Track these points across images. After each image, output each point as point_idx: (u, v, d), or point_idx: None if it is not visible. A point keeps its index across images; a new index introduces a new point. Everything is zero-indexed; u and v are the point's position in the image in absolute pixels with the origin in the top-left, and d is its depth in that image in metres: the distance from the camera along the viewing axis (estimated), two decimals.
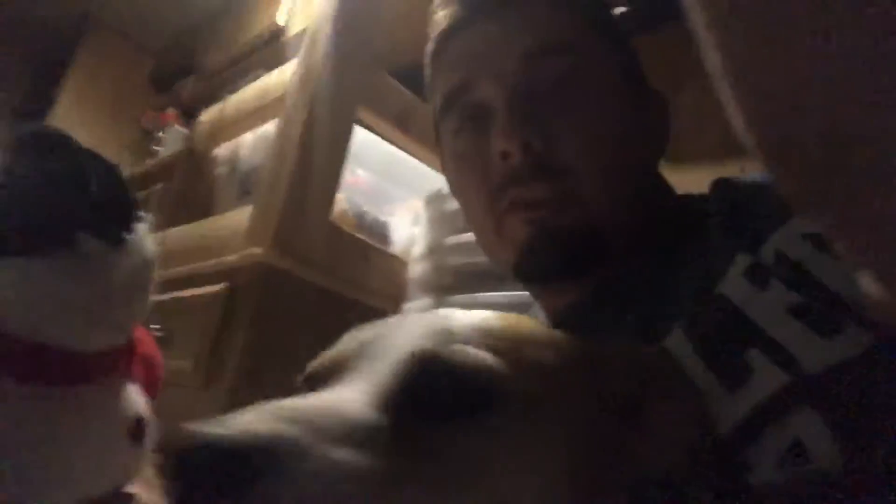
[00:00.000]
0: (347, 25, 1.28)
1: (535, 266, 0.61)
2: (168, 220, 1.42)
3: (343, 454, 0.30)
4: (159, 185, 1.55)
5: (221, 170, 1.50)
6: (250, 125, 1.44)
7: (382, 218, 1.46)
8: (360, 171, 1.55)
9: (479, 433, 0.34)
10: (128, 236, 0.53)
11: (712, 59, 0.29)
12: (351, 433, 0.31)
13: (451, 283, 1.22)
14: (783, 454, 0.39)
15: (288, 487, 0.28)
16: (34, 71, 2.36)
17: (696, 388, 0.42)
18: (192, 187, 1.53)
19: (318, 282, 1.19)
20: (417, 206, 1.42)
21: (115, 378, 0.55)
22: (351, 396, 0.35)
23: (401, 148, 1.50)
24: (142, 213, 0.55)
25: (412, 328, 0.39)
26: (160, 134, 2.08)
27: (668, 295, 0.54)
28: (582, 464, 0.36)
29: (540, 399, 0.36)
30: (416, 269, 1.31)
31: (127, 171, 1.72)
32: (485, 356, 0.35)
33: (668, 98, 0.68)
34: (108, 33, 2.33)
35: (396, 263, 1.36)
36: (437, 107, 0.68)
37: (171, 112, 2.13)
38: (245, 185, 1.44)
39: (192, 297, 1.21)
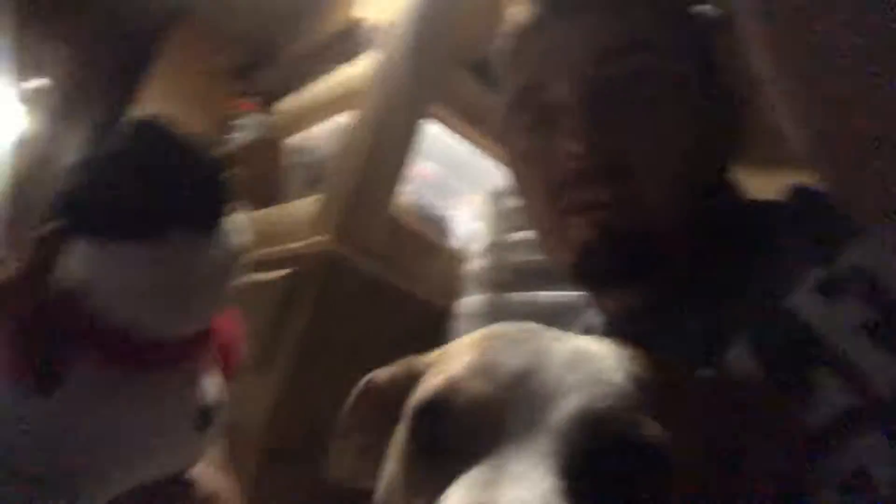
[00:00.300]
0: (426, 20, 1.28)
1: (593, 268, 0.60)
2: (239, 205, 1.47)
3: None
4: (233, 171, 1.60)
5: (293, 159, 1.54)
6: (325, 116, 1.47)
7: (444, 212, 1.46)
8: (428, 164, 1.56)
9: None
10: (218, 226, 0.53)
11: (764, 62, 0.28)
12: None
13: (510, 280, 1.21)
14: (846, 480, 0.37)
15: None
16: (124, 52, 2.48)
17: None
18: (265, 175, 1.58)
19: (377, 273, 1.20)
20: (480, 201, 1.42)
21: (190, 366, 0.56)
22: (535, 487, 0.30)
23: (470, 143, 1.50)
24: (233, 204, 0.56)
25: (563, 372, 0.35)
26: (238, 121, 2.15)
27: (731, 304, 0.52)
28: None
29: (694, 474, 0.34)
30: (475, 265, 1.30)
31: None
32: (656, 429, 0.33)
33: (746, 97, 0.65)
34: (195, 24, 2.42)
35: (455, 258, 1.36)
36: (508, 103, 0.68)
37: (249, 100, 2.20)
38: (314, 174, 1.47)
39: (256, 281, 1.25)
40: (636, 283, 0.60)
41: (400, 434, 0.40)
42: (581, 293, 0.71)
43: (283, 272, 1.21)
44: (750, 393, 0.43)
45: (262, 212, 1.41)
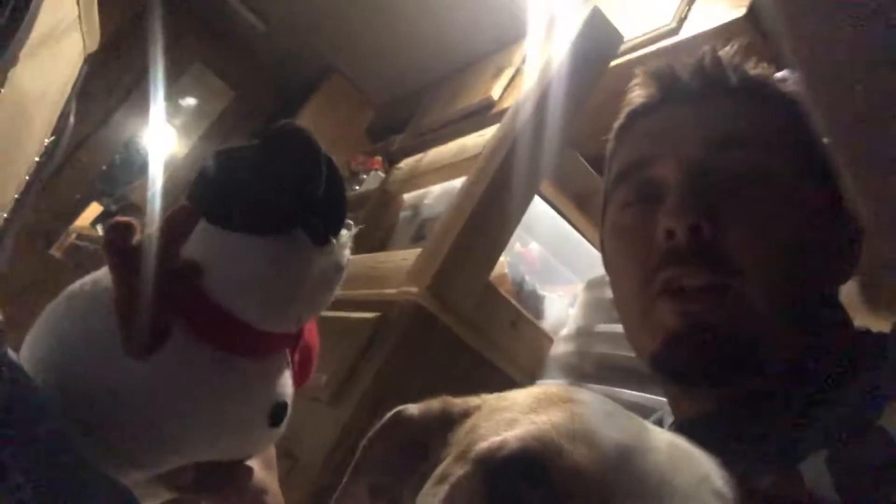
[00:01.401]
0: (549, 103, 1.33)
1: (676, 360, 0.56)
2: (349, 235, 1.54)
3: None
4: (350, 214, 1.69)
5: (405, 213, 1.60)
6: (442, 178, 1.54)
7: (541, 292, 1.45)
8: (533, 245, 1.57)
9: None
10: (333, 239, 0.56)
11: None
12: None
13: (591, 371, 1.17)
14: None
15: None
16: (278, 104, 2.73)
17: None
18: (377, 224, 1.65)
19: (462, 334, 1.20)
20: (579, 288, 1.40)
21: (276, 362, 0.58)
22: None
23: (576, 228, 1.50)
24: (350, 223, 0.60)
25: (669, 465, 0.32)
26: (364, 176, 2.29)
27: (815, 423, 0.47)
28: None
29: None
30: (559, 349, 1.27)
31: None
32: None
33: (863, 227, 0.61)
34: (342, 81, 2.64)
35: (543, 339, 1.34)
36: (609, 179, 0.68)
37: (377, 159, 2.34)
38: (422, 230, 1.52)
39: (346, 318, 1.29)
40: (718, 387, 0.56)
41: (459, 483, 0.35)
42: (658, 397, 0.67)
43: (371, 314, 1.24)
44: None
45: (365, 256, 1.47)
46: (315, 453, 1.13)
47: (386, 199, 1.70)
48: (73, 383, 0.49)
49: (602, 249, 0.70)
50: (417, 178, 1.63)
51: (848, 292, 0.63)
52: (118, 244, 0.50)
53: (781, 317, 0.53)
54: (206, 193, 0.54)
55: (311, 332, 0.65)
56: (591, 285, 1.31)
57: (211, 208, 0.53)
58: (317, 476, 1.10)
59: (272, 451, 0.66)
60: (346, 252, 0.59)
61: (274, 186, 0.53)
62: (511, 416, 0.37)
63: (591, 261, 1.49)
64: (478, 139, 1.46)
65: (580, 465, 0.31)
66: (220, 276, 0.52)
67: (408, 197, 1.66)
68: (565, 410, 0.35)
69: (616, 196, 0.65)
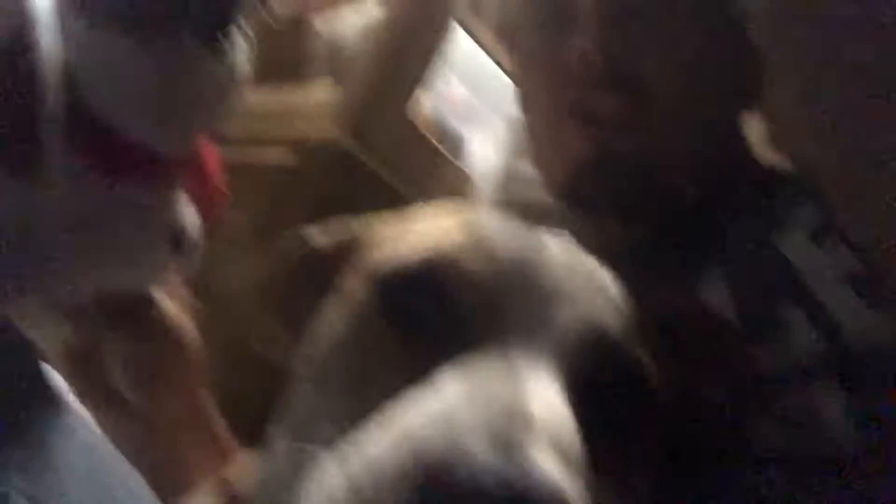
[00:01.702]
0: None
1: (584, 189, 0.57)
2: (255, 80, 1.42)
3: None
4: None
5: (318, 44, 1.48)
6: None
7: (464, 134, 1.42)
8: (456, 86, 1.51)
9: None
10: (224, 42, 0.50)
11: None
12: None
13: (514, 214, 1.19)
14: (792, 417, 0.37)
15: None
16: None
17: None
18: (286, 55, 1.52)
19: (385, 177, 1.17)
20: (502, 130, 1.38)
21: (171, 185, 0.54)
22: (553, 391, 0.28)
23: (499, 65, 1.44)
24: (243, 22, 0.53)
25: (563, 273, 0.34)
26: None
27: (714, 246, 0.50)
28: None
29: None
30: (482, 191, 1.28)
31: None
32: (649, 363, 0.33)
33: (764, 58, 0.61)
34: None
35: (465, 180, 1.34)
36: (519, 3, 0.64)
37: None
38: (337, 64, 1.41)
39: (260, 161, 1.22)
40: (626, 214, 0.57)
41: (356, 302, 0.37)
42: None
43: (288, 156, 1.18)
44: (711, 325, 0.42)
45: (275, 90, 1.36)
46: (236, 296, 1.11)
47: (295, 25, 1.55)
48: None
49: (512, 77, 0.68)
50: (332, 3, 1.49)
51: (753, 130, 0.65)
52: None
53: (688, 136, 0.55)
54: None
55: (211, 156, 0.61)
56: (516, 125, 1.29)
57: (81, 3, 0.46)
58: (239, 318, 1.10)
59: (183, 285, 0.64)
60: (242, 57, 0.54)
61: None
62: (412, 236, 0.38)
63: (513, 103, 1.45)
64: None
65: (475, 275, 0.32)
66: (97, 87, 0.47)
67: (320, 23, 1.52)
68: (465, 227, 0.36)
69: (527, 16, 0.62)
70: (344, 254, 0.44)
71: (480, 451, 0.22)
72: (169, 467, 0.60)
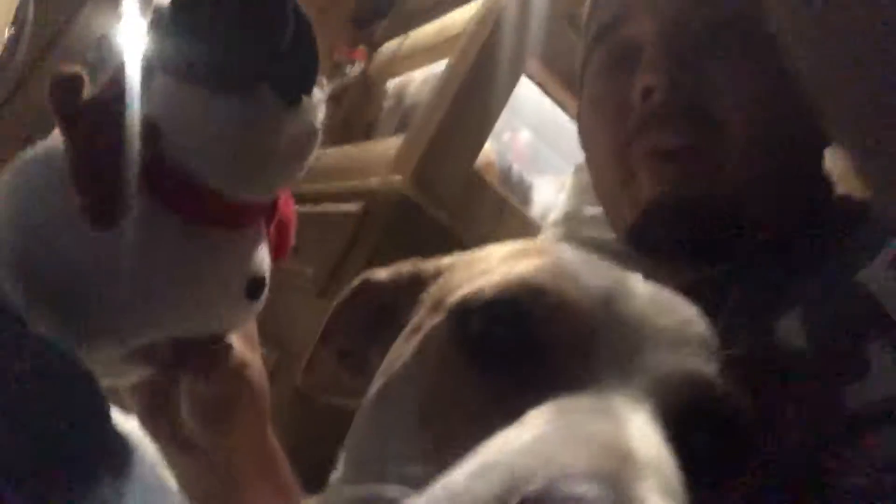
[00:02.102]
0: None
1: (654, 231, 0.54)
2: (329, 140, 1.49)
3: None
4: (328, 107, 1.62)
5: (388, 102, 1.54)
6: (425, 60, 1.46)
7: (528, 179, 1.42)
8: (523, 133, 1.52)
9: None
10: (304, 98, 0.52)
11: None
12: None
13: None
14: (880, 466, 0.32)
15: None
16: None
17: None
18: (359, 115, 1.59)
19: (447, 223, 1.18)
20: (569, 175, 1.36)
21: (250, 233, 0.55)
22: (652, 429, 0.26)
23: (566, 110, 1.44)
24: (323, 80, 0.55)
25: (652, 310, 0.31)
26: (349, 68, 2.19)
27: (792, 284, 0.46)
28: None
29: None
30: (548, 235, 1.25)
31: None
32: (747, 402, 0.30)
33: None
34: None
35: (530, 226, 1.32)
36: (586, 45, 0.63)
37: (361, 49, 2.23)
38: (406, 119, 1.46)
39: (329, 212, 1.26)
40: (698, 256, 0.54)
41: (430, 334, 0.34)
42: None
43: (354, 206, 1.21)
44: (790, 364, 0.38)
45: (347, 147, 1.42)
46: (304, 345, 1.14)
47: (368, 87, 1.63)
48: (32, 259, 0.46)
49: (578, 123, 0.67)
50: (400, 63, 1.56)
51: (831, 159, 0.61)
52: (66, 102, 0.45)
53: (763, 179, 0.51)
54: (161, 41, 0.48)
55: (287, 205, 0.62)
56: (581, 168, 1.27)
57: (169, 57, 0.48)
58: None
59: (253, 327, 0.65)
60: (320, 114, 0.55)
61: (238, 32, 0.47)
62: (486, 266, 0.35)
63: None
64: (461, 16, 1.37)
65: (568, 302, 0.29)
66: (181, 138, 0.48)
67: (391, 85, 1.59)
68: (545, 257, 0.33)
69: (592, 62, 0.61)
70: (406, 287, 0.43)
71: (587, 486, 0.20)
72: None
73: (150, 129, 0.47)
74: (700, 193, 0.51)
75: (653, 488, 0.21)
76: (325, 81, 0.55)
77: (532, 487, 0.20)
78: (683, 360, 0.29)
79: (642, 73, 0.53)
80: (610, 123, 0.57)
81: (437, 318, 0.34)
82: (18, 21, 1.36)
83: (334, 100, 1.69)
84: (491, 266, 0.35)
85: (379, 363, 0.38)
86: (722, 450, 0.28)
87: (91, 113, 0.45)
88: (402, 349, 0.36)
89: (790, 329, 0.41)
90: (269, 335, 1.23)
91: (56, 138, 0.49)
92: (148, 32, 0.49)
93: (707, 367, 0.29)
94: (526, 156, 1.46)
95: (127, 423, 0.59)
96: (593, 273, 0.32)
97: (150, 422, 0.57)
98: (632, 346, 0.29)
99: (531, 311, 0.30)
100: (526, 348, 0.29)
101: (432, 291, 0.39)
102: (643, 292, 0.32)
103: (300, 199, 0.62)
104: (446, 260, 0.43)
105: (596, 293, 0.30)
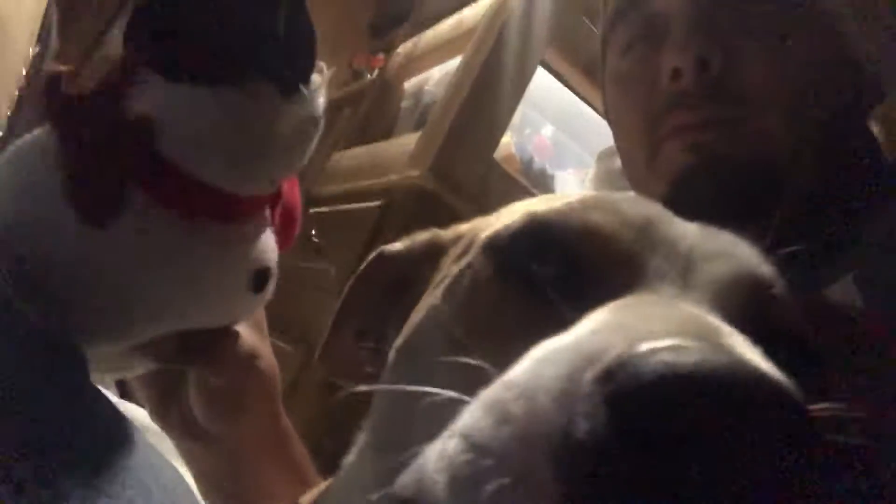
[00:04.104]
0: None
1: (689, 198, 0.51)
2: (349, 143, 1.49)
3: None
4: (346, 110, 1.63)
5: (406, 102, 1.54)
6: (441, 58, 1.46)
7: (550, 171, 1.40)
8: (546, 129, 1.50)
9: None
10: (302, 87, 0.51)
11: None
12: None
13: None
14: None
15: None
16: None
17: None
18: (378, 116, 1.59)
19: (468, 213, 1.17)
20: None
21: (255, 223, 0.55)
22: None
23: (586, 101, 1.42)
24: (322, 65, 0.54)
25: (699, 237, 0.29)
26: (368, 76, 2.20)
27: (843, 247, 0.43)
28: None
29: None
30: None
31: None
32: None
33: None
34: None
35: None
36: (606, 19, 0.61)
37: (381, 56, 2.24)
38: (424, 117, 1.46)
39: (350, 210, 1.26)
40: (737, 218, 0.51)
41: (462, 275, 0.32)
42: None
43: (374, 203, 1.21)
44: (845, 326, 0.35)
45: (365, 147, 1.42)
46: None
47: (385, 88, 1.63)
48: (23, 248, 0.46)
49: (603, 101, 0.65)
50: (415, 62, 1.56)
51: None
52: (59, 95, 0.46)
53: (804, 144, 0.48)
54: (144, 35, 0.49)
55: (292, 191, 0.61)
56: (603, 156, 1.25)
57: (154, 55, 0.48)
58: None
59: (261, 315, 0.64)
60: (321, 100, 0.54)
61: (223, 25, 0.46)
62: (513, 210, 0.33)
63: (605, 138, 1.41)
64: (475, 11, 1.37)
65: (600, 227, 0.27)
66: (175, 133, 0.47)
67: (408, 85, 1.59)
68: (578, 197, 0.31)
69: (614, 38, 0.58)
70: (423, 255, 0.41)
71: (678, 342, 0.17)
72: (250, 494, 0.59)
73: (145, 125, 0.46)
74: (734, 155, 0.49)
75: (745, 344, 0.18)
76: (324, 66, 0.54)
77: (616, 361, 0.17)
78: (739, 264, 0.27)
79: (670, 53, 0.50)
80: (637, 102, 0.55)
81: (465, 261, 0.32)
82: (42, 39, 1.40)
83: (353, 103, 1.69)
84: (517, 209, 0.33)
85: (395, 335, 0.37)
86: (788, 360, 0.25)
87: (83, 110, 0.45)
88: (426, 302, 0.34)
89: (844, 291, 0.38)
90: (294, 334, 1.23)
91: (45, 134, 0.49)
92: (134, 28, 0.49)
93: (764, 268, 0.27)
94: (549, 150, 1.44)
95: (137, 413, 0.59)
96: (633, 203, 0.30)
97: (160, 413, 0.57)
98: (683, 260, 0.27)
99: (567, 236, 0.28)
100: (569, 271, 0.27)
101: (453, 251, 0.37)
102: (686, 224, 0.30)
103: (322, 200, 0.61)
104: (465, 225, 0.41)
105: (637, 218, 0.28)
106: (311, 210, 1.28)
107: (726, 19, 0.49)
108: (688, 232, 0.29)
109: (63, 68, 0.47)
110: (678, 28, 0.50)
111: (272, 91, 0.48)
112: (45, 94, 0.46)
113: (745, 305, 0.25)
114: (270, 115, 0.49)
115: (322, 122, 0.54)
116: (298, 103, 0.50)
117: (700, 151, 0.49)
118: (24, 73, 1.35)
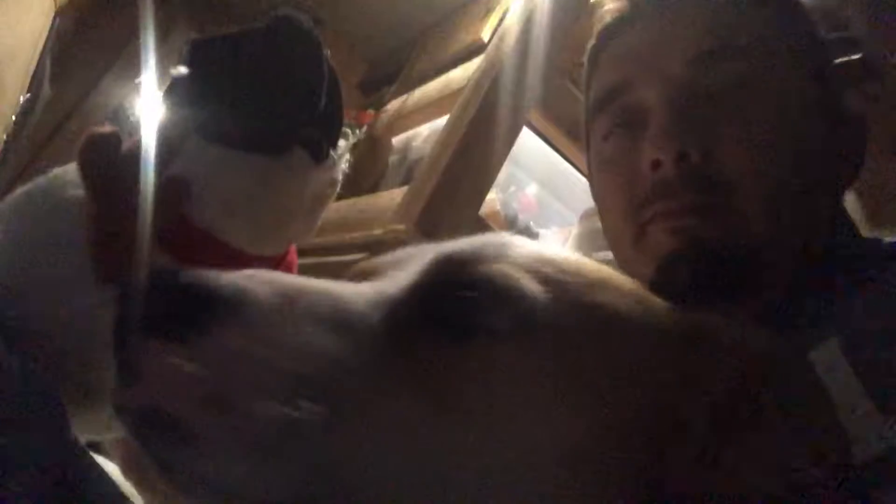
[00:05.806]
0: (534, 28, 1.27)
1: (674, 281, 0.51)
2: (336, 196, 1.50)
3: (317, 332, 0.28)
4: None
5: (394, 157, 1.56)
6: (428, 116, 1.49)
7: (535, 229, 1.41)
8: (531, 188, 1.53)
9: (489, 358, 0.30)
10: (332, 153, 0.52)
11: None
12: (338, 318, 0.29)
13: None
14: None
15: (235, 338, 0.27)
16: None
17: (831, 402, 0.34)
18: (365, 170, 1.61)
19: None
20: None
21: None
22: (361, 289, 0.32)
23: (570, 161, 1.45)
24: (347, 131, 0.55)
25: (467, 241, 0.36)
26: (357, 132, 2.23)
27: (824, 318, 0.44)
28: (604, 448, 0.30)
29: (577, 345, 0.31)
30: None
31: None
32: (522, 278, 0.32)
33: (867, 125, 0.57)
34: (331, 36, 2.56)
35: None
36: (588, 108, 0.63)
37: (370, 112, 2.28)
38: (411, 173, 1.48)
39: (334, 263, 1.26)
40: (720, 301, 0.51)
41: None
42: None
43: (359, 256, 1.21)
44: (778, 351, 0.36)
45: (352, 200, 1.43)
46: None
47: (373, 143, 1.66)
48: (34, 308, 0.45)
49: (589, 181, 0.66)
50: (404, 120, 1.59)
51: (852, 209, 0.60)
52: (98, 159, 0.45)
53: (782, 229, 0.50)
54: (195, 102, 0.48)
55: (291, 251, 0.61)
56: (586, 216, 1.27)
57: (204, 122, 0.48)
58: None
59: None
60: (343, 165, 0.55)
61: (274, 97, 0.47)
62: None
63: (588, 198, 1.44)
64: (463, 73, 1.41)
65: (377, 261, 0.38)
66: (209, 197, 0.48)
67: (396, 141, 1.61)
68: None
69: (597, 126, 0.60)
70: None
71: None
72: None
73: (181, 187, 0.47)
74: (716, 240, 0.50)
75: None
76: (348, 131, 0.55)
77: None
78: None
79: (649, 145, 0.52)
80: (620, 187, 0.56)
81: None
82: (34, 85, 1.41)
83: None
84: None
85: None
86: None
87: (121, 172, 0.46)
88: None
89: (830, 357, 0.39)
90: None
91: (65, 171, 0.48)
92: (173, 96, 0.49)
93: None
94: (533, 207, 1.46)
95: (108, 467, 0.57)
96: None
97: (132, 474, 0.56)
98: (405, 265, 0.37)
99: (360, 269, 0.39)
100: None
101: None
102: (461, 242, 0.38)
103: (308, 251, 0.61)
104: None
105: (407, 253, 0.38)
106: (298, 261, 1.27)
107: (702, 111, 0.51)
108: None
109: (106, 130, 0.47)
110: (656, 122, 0.52)
111: (307, 159, 0.49)
112: (85, 153, 0.46)
113: (436, 274, 0.34)
114: (301, 182, 0.50)
115: (339, 185, 0.54)
116: (326, 169, 0.51)
117: (683, 236, 0.50)
118: (13, 119, 1.36)
